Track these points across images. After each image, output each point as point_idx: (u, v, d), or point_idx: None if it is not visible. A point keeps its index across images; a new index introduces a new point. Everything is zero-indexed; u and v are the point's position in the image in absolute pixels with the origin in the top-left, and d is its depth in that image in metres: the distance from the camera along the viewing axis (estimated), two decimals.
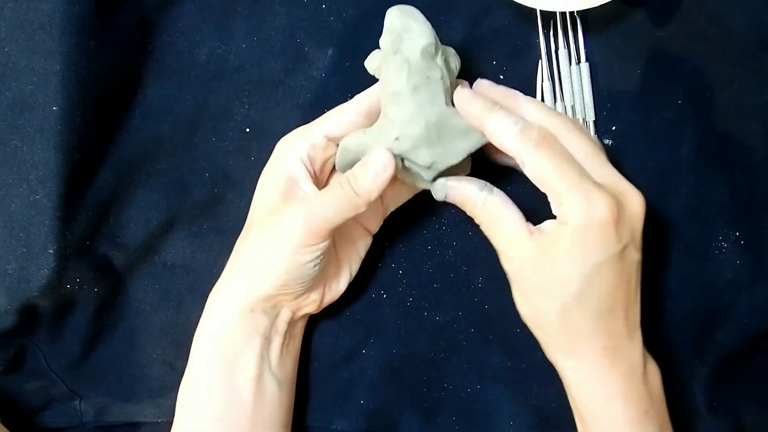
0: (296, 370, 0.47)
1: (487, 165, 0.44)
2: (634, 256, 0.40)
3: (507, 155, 0.40)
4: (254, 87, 0.49)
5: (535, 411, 0.48)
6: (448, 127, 0.40)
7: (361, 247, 0.47)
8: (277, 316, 0.44)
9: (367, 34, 0.48)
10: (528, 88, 0.48)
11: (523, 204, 0.41)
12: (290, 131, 0.45)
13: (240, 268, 0.43)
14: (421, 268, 0.49)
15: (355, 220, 0.45)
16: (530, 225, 0.40)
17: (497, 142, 0.40)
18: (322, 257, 0.42)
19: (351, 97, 0.48)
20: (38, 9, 0.43)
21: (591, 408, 0.41)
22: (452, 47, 0.42)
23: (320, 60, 0.49)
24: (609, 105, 0.48)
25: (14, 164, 0.44)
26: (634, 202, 0.39)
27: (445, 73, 0.40)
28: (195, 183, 0.49)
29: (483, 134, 0.41)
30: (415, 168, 0.42)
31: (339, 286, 0.46)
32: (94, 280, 0.47)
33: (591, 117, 0.48)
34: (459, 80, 0.43)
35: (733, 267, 0.47)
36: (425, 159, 0.40)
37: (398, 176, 0.42)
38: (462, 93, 0.41)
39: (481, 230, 0.42)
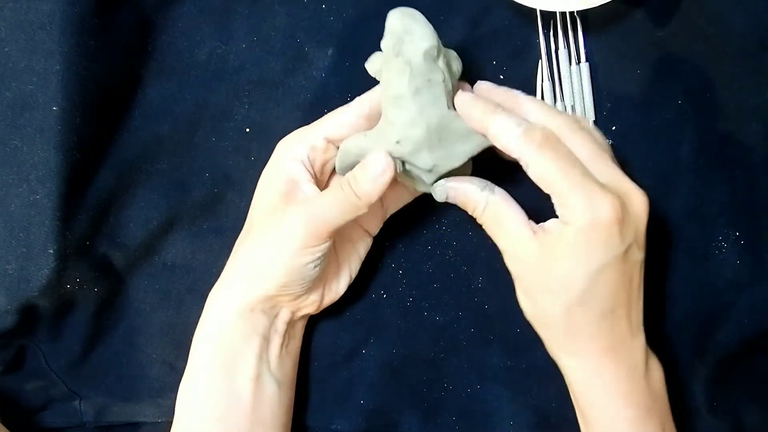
0: (296, 370, 0.47)
1: (488, 162, 0.44)
2: (638, 256, 0.40)
3: None
4: (254, 87, 0.49)
5: (535, 411, 0.48)
6: (449, 130, 0.40)
7: (361, 248, 0.47)
8: (276, 316, 0.44)
9: (367, 34, 0.48)
10: (528, 88, 0.48)
11: (525, 202, 0.41)
12: (290, 131, 0.45)
13: (240, 269, 0.43)
14: (421, 268, 0.49)
15: (355, 222, 0.45)
16: (533, 224, 0.40)
17: (500, 145, 0.40)
18: (322, 258, 0.42)
19: (351, 98, 0.48)
20: (38, 9, 0.43)
21: (593, 405, 0.41)
22: (452, 47, 0.42)
23: (320, 60, 0.49)
24: (609, 105, 0.48)
25: (14, 164, 0.44)
26: (638, 202, 0.39)
27: (447, 76, 0.40)
28: (195, 183, 0.49)
29: (485, 137, 0.40)
30: (415, 171, 0.42)
31: (339, 287, 0.46)
32: (94, 280, 0.47)
33: (591, 117, 0.48)
34: (461, 82, 0.43)
35: (733, 267, 0.47)
36: (426, 162, 0.40)
37: (399, 179, 0.41)
38: (463, 96, 0.41)
39: (481, 230, 0.42)
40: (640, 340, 0.41)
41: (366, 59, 0.48)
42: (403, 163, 0.41)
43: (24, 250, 0.44)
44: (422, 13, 0.40)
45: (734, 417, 0.48)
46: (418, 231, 0.49)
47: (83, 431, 0.51)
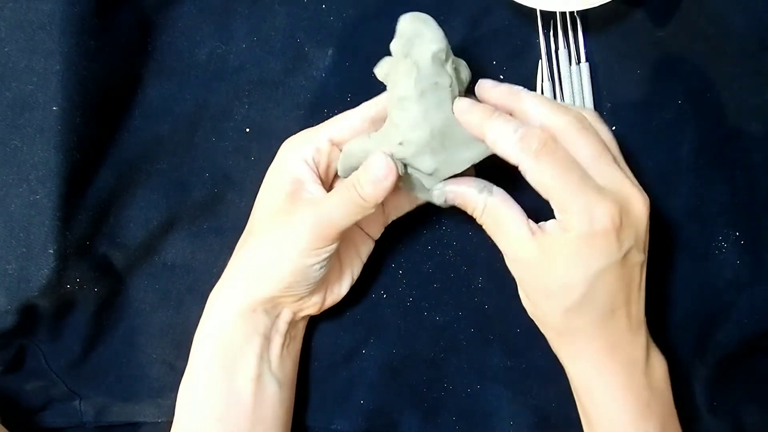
0: (296, 370, 0.47)
1: (488, 160, 0.44)
2: (637, 258, 0.40)
3: None
4: (254, 87, 0.49)
5: (535, 411, 0.48)
6: (453, 136, 0.40)
7: (363, 251, 0.47)
8: (278, 316, 0.44)
9: (367, 34, 0.49)
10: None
11: (525, 200, 0.40)
12: (290, 131, 0.45)
13: (242, 268, 0.43)
14: (421, 268, 0.49)
15: (357, 226, 0.45)
16: (533, 224, 0.40)
17: (499, 151, 0.39)
18: (328, 260, 0.42)
19: (351, 98, 0.48)
20: (38, 9, 0.43)
21: (593, 400, 0.41)
22: (452, 47, 0.42)
23: (320, 60, 0.49)
24: (609, 105, 0.48)
25: (14, 164, 0.44)
26: (638, 205, 0.39)
27: (455, 81, 0.40)
28: (195, 183, 0.49)
29: (487, 146, 0.40)
30: (416, 175, 0.41)
31: (341, 289, 0.46)
32: (94, 280, 0.47)
33: None
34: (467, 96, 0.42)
35: (733, 267, 0.47)
36: (428, 166, 0.40)
37: (400, 186, 0.41)
38: (461, 103, 0.40)
39: (481, 230, 0.42)
40: (641, 336, 0.41)
41: (366, 59, 0.48)
42: (405, 166, 0.41)
43: (24, 250, 0.44)
44: (421, 13, 0.40)
45: (734, 417, 0.48)
46: (418, 231, 0.49)
47: (83, 431, 0.51)
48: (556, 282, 0.39)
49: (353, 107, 0.44)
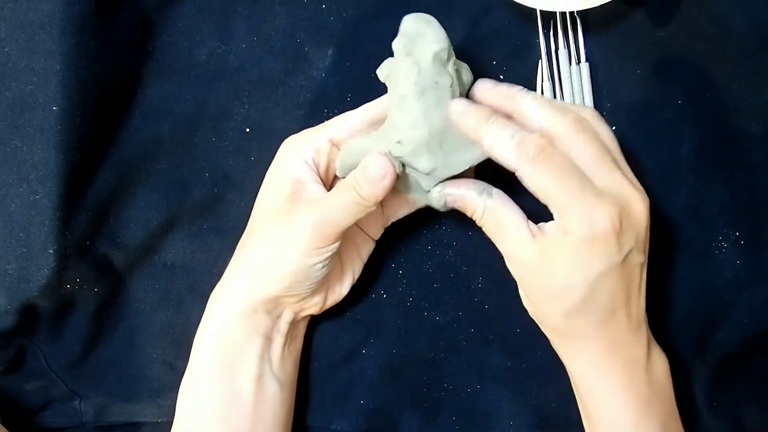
0: (297, 370, 0.47)
1: (489, 161, 0.44)
2: (638, 259, 0.39)
3: None
4: (254, 87, 0.49)
5: (535, 411, 0.48)
6: (452, 137, 0.40)
7: (363, 251, 0.47)
8: (279, 316, 0.44)
9: (367, 34, 0.49)
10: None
11: (525, 200, 0.40)
12: (290, 131, 0.45)
13: (243, 269, 0.43)
14: (421, 268, 0.49)
15: (357, 226, 0.45)
16: (532, 226, 0.39)
17: (496, 156, 0.39)
18: (329, 260, 0.42)
19: (351, 98, 0.48)
20: (38, 9, 0.43)
21: (593, 398, 0.41)
22: (452, 47, 0.42)
23: (320, 60, 0.49)
24: (609, 105, 0.48)
25: (14, 164, 0.44)
26: (638, 207, 0.39)
27: (456, 82, 0.40)
28: (195, 183, 0.49)
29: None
30: (414, 175, 0.41)
31: (342, 289, 0.46)
32: (94, 280, 0.47)
33: None
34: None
35: (733, 267, 0.47)
36: (425, 165, 0.40)
37: (397, 186, 0.41)
38: (456, 106, 0.40)
39: (481, 230, 0.42)
40: (642, 335, 0.41)
41: (366, 59, 0.48)
42: (403, 165, 0.41)
43: (24, 250, 0.44)
44: (421, 13, 0.41)
45: (734, 417, 0.48)
46: (418, 231, 0.49)
47: (83, 431, 0.51)
48: (557, 284, 0.39)
49: (353, 107, 0.44)
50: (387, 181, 0.39)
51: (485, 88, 0.42)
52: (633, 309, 0.40)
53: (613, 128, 0.48)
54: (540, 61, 0.48)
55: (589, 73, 0.48)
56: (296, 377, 0.47)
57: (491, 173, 0.42)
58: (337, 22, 0.49)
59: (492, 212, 0.40)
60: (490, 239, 0.41)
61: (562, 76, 0.48)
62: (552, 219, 0.39)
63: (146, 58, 0.49)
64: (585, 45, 0.48)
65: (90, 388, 0.50)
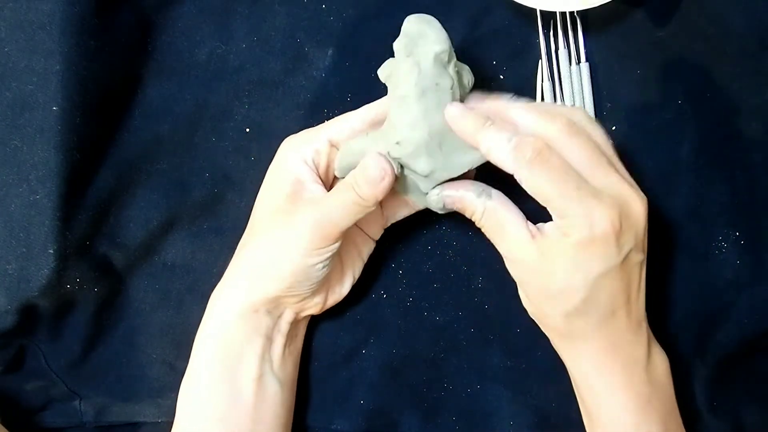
0: (297, 369, 0.47)
1: (489, 163, 0.44)
2: (637, 258, 0.39)
3: None
4: (254, 87, 0.49)
5: (535, 411, 0.48)
6: (451, 139, 0.40)
7: (364, 251, 0.47)
8: (280, 316, 0.44)
9: (367, 34, 0.49)
10: (528, 88, 0.48)
11: (523, 202, 0.40)
12: (290, 131, 0.45)
13: (244, 269, 0.43)
14: (421, 268, 0.49)
15: (357, 226, 0.45)
16: (532, 226, 0.39)
17: (493, 160, 0.39)
18: (330, 259, 0.42)
19: (351, 98, 0.48)
20: (38, 9, 0.43)
21: (593, 396, 0.41)
22: (453, 49, 0.42)
23: (320, 60, 0.49)
24: (609, 105, 0.48)
25: (14, 164, 0.44)
26: (636, 207, 0.39)
27: (456, 84, 0.40)
28: (195, 183, 0.49)
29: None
30: (412, 177, 0.41)
31: (342, 289, 0.46)
32: (94, 280, 0.47)
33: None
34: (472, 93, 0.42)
35: (733, 267, 0.47)
36: (424, 167, 0.40)
37: (396, 187, 0.41)
38: (453, 110, 0.39)
39: (481, 230, 0.42)
40: (642, 334, 0.41)
41: (366, 59, 0.48)
42: (402, 167, 0.41)
43: (24, 250, 0.44)
44: (422, 13, 0.41)
45: (734, 417, 0.48)
46: (418, 231, 0.49)
47: (83, 431, 0.51)
48: (557, 285, 0.39)
49: (353, 107, 0.44)
50: (386, 182, 0.39)
51: (476, 99, 0.42)
52: (633, 308, 0.40)
53: (613, 128, 0.48)
54: (540, 61, 0.48)
55: (589, 73, 0.48)
56: (296, 377, 0.47)
57: (490, 174, 0.42)
58: (337, 22, 0.49)
59: (491, 213, 0.40)
60: (490, 240, 0.41)
61: (562, 76, 0.48)
62: (551, 219, 0.39)
63: (146, 58, 0.49)
64: (585, 45, 0.48)
65: (90, 388, 0.50)
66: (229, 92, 0.49)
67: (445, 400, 0.49)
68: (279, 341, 0.44)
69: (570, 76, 0.48)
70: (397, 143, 0.40)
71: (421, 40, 0.40)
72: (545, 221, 0.39)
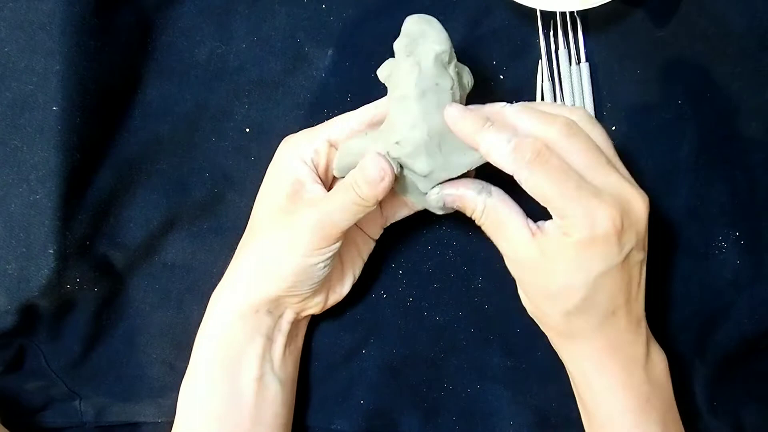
0: (297, 369, 0.47)
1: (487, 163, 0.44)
2: (638, 257, 0.39)
3: None
4: (254, 87, 0.49)
5: (535, 411, 0.48)
6: (450, 139, 0.40)
7: (364, 250, 0.47)
8: (281, 316, 0.44)
9: (367, 34, 0.49)
10: (528, 88, 0.48)
11: (523, 201, 0.40)
12: (290, 131, 0.45)
13: (245, 269, 0.43)
14: (421, 268, 0.49)
15: (357, 226, 0.45)
16: (532, 224, 0.39)
17: (493, 161, 0.39)
18: (331, 259, 0.42)
19: (351, 98, 0.48)
20: (38, 9, 0.43)
21: (593, 395, 0.41)
22: (453, 50, 0.42)
23: (320, 60, 0.49)
24: (609, 105, 0.48)
25: (14, 164, 0.44)
26: (637, 206, 0.39)
27: (456, 85, 0.40)
28: (195, 183, 0.49)
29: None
30: (411, 177, 0.41)
31: (343, 288, 0.46)
32: (94, 280, 0.47)
33: None
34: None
35: (733, 267, 0.47)
36: (423, 167, 0.40)
37: (394, 187, 0.41)
38: (452, 110, 0.39)
39: (481, 230, 0.42)
40: (641, 333, 0.41)
41: (366, 59, 0.48)
42: (401, 167, 0.41)
43: (24, 250, 0.44)
44: (421, 13, 0.41)
45: (734, 417, 0.48)
46: (418, 231, 0.49)
47: (83, 431, 0.51)
48: (557, 285, 0.39)
49: (353, 107, 0.44)
50: (386, 182, 0.39)
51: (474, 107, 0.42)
52: (633, 307, 0.40)
53: (613, 128, 0.48)
54: (540, 61, 0.48)
55: (589, 73, 0.48)
56: (296, 377, 0.47)
57: (490, 175, 0.42)
58: (337, 22, 0.49)
59: (491, 211, 0.40)
60: (490, 240, 0.41)
61: (562, 76, 0.48)
62: (551, 218, 0.39)
63: (146, 58, 0.49)
64: (585, 45, 0.48)
65: (90, 388, 0.50)
66: (229, 92, 0.49)
67: (445, 400, 0.49)
68: (280, 341, 0.44)
69: (570, 76, 0.48)
70: (397, 143, 0.40)
71: (422, 40, 0.40)
72: (545, 219, 0.39)
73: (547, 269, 0.39)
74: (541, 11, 0.47)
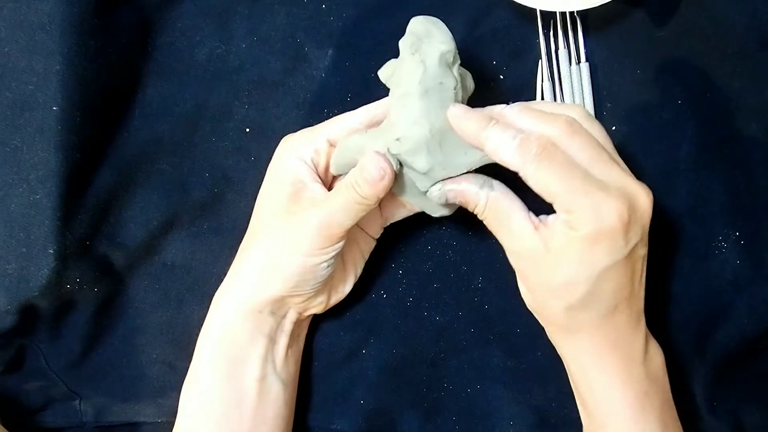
0: (299, 370, 0.47)
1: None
2: (642, 252, 0.40)
3: None
4: (254, 87, 0.49)
5: (535, 411, 0.48)
6: (452, 138, 0.40)
7: (365, 249, 0.47)
8: (284, 317, 0.44)
9: (367, 34, 0.49)
10: (528, 88, 0.48)
11: (525, 196, 0.40)
12: (290, 131, 0.45)
13: (248, 269, 0.43)
14: (421, 268, 0.49)
15: (357, 226, 0.45)
16: (534, 217, 0.39)
17: (499, 160, 0.39)
18: (334, 259, 0.42)
19: (351, 98, 0.48)
20: (38, 9, 0.43)
21: (591, 390, 0.41)
22: (456, 50, 0.42)
23: (320, 60, 0.49)
24: (609, 105, 0.48)
25: (14, 164, 0.44)
26: (643, 200, 0.39)
27: (459, 86, 0.40)
28: (195, 183, 0.49)
29: (486, 153, 0.40)
30: (410, 175, 0.41)
31: (345, 287, 0.46)
32: (94, 280, 0.47)
33: None
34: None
35: (733, 267, 0.47)
36: (424, 164, 0.40)
37: (392, 188, 0.41)
38: (455, 110, 0.39)
39: (481, 230, 0.42)
40: (641, 328, 0.41)
41: (366, 59, 0.48)
42: (401, 165, 0.41)
43: (24, 250, 0.44)
44: (422, 13, 0.41)
45: (734, 417, 0.48)
46: (418, 231, 0.49)
47: (83, 431, 0.51)
48: (560, 278, 0.38)
49: (353, 107, 0.44)
50: (386, 181, 0.39)
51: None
52: (634, 302, 0.40)
53: (613, 128, 0.48)
54: (540, 61, 0.48)
55: (589, 73, 0.48)
56: (298, 377, 0.47)
57: (489, 173, 0.42)
58: (337, 22, 0.49)
59: (494, 204, 0.40)
60: (490, 239, 0.41)
61: (562, 76, 0.48)
62: (553, 212, 0.39)
63: (146, 58, 0.49)
64: (585, 45, 0.48)
65: (90, 388, 0.50)
66: (229, 92, 0.49)
67: (445, 400, 0.49)
68: (282, 342, 0.44)
69: (570, 76, 0.48)
70: (397, 140, 0.40)
71: (428, 39, 0.40)
72: (548, 215, 0.39)
73: (550, 263, 0.38)
74: (541, 11, 0.47)
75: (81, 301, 0.48)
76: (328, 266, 0.42)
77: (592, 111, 0.48)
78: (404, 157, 0.40)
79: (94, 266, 0.47)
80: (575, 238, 0.37)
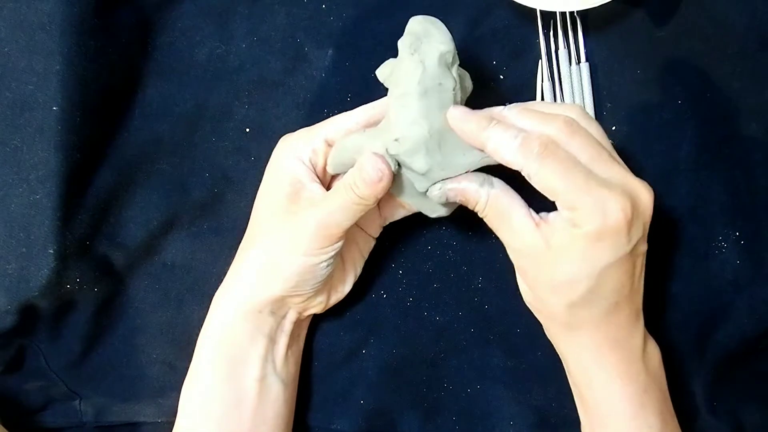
0: (299, 370, 0.47)
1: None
2: (642, 248, 0.40)
3: None
4: (254, 87, 0.49)
5: (535, 411, 0.48)
6: (451, 139, 0.40)
7: (364, 248, 0.47)
8: (284, 317, 0.44)
9: (367, 34, 0.49)
10: (528, 88, 0.48)
11: (526, 194, 0.40)
12: (290, 131, 0.45)
13: (248, 270, 0.43)
14: (421, 268, 0.49)
15: (356, 225, 0.45)
16: (535, 215, 0.39)
17: (501, 159, 0.39)
18: (334, 258, 0.42)
19: (351, 98, 0.48)
20: (38, 9, 0.43)
21: (590, 387, 0.41)
22: (456, 51, 0.42)
23: (320, 60, 0.49)
24: (609, 105, 0.48)
25: (14, 164, 0.44)
26: (644, 197, 0.39)
27: (458, 87, 0.40)
28: (195, 183, 0.49)
29: (484, 153, 0.40)
30: (409, 176, 0.41)
31: (344, 287, 0.46)
32: (94, 280, 0.47)
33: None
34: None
35: (733, 267, 0.47)
36: (422, 165, 0.40)
37: (390, 189, 0.41)
38: (455, 112, 0.39)
39: (481, 230, 0.42)
40: (640, 325, 0.41)
41: (366, 59, 0.48)
42: (399, 165, 0.40)
43: (24, 250, 0.44)
44: (422, 13, 0.40)
45: (734, 417, 0.48)
46: (418, 231, 0.49)
47: (83, 431, 0.51)
48: (562, 276, 0.38)
49: (353, 107, 0.44)
50: (384, 182, 0.39)
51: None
52: (634, 299, 0.40)
53: (613, 128, 0.48)
54: (540, 61, 0.48)
55: (589, 73, 0.48)
56: (298, 376, 0.47)
57: (487, 173, 0.42)
58: (337, 22, 0.49)
59: (495, 201, 0.40)
60: (490, 239, 0.41)
61: (562, 76, 0.48)
62: (554, 210, 0.39)
63: (146, 58, 0.49)
64: (585, 45, 0.48)
65: (90, 388, 0.50)
66: (229, 92, 0.49)
67: (445, 400, 0.49)
68: (282, 342, 0.44)
69: (570, 76, 0.48)
70: (396, 140, 0.40)
71: (427, 39, 0.40)
72: (548, 212, 0.39)
73: (552, 260, 0.38)
74: (541, 11, 0.47)
75: (81, 301, 0.48)
76: (328, 266, 0.42)
77: (592, 111, 0.48)
78: (403, 158, 0.40)
79: (94, 266, 0.47)
80: (578, 235, 0.37)
